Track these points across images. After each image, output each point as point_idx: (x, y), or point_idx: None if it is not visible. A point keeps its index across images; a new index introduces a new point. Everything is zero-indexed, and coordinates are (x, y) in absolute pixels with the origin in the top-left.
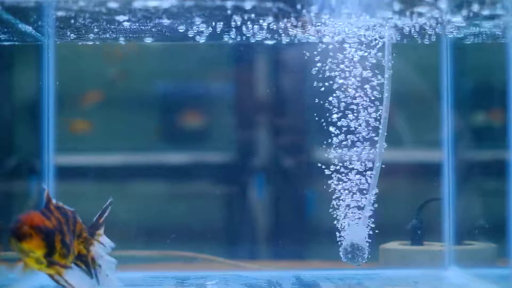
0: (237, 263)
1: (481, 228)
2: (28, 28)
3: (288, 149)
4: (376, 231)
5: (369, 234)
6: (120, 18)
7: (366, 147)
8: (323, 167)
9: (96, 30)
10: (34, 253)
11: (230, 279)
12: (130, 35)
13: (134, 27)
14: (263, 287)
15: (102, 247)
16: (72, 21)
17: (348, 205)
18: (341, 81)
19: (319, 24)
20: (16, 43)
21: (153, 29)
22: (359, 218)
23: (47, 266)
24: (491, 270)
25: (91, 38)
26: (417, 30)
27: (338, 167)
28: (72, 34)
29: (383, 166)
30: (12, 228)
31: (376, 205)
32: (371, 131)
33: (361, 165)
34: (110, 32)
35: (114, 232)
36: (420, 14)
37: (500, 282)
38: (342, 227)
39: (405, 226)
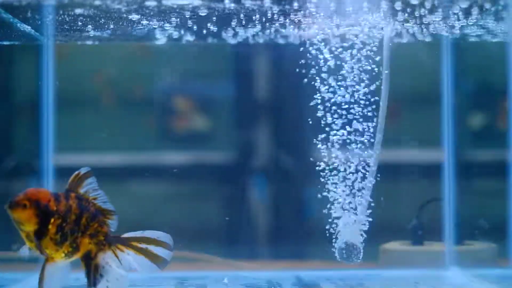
0: (237, 263)
1: (482, 228)
2: (27, 28)
3: (288, 149)
4: (376, 231)
5: (367, 234)
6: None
7: (366, 147)
8: (323, 167)
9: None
10: (24, 226)
11: (230, 279)
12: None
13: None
14: (263, 287)
15: (115, 260)
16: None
17: (347, 205)
18: (340, 81)
19: (318, 23)
20: (15, 42)
21: (158, 29)
22: (356, 218)
23: (36, 246)
24: (491, 270)
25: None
26: (417, 29)
27: (338, 167)
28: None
29: (384, 166)
30: (12, 196)
31: (371, 205)
32: (372, 131)
33: (361, 165)
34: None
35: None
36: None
37: (500, 282)
38: (340, 227)
39: (406, 226)
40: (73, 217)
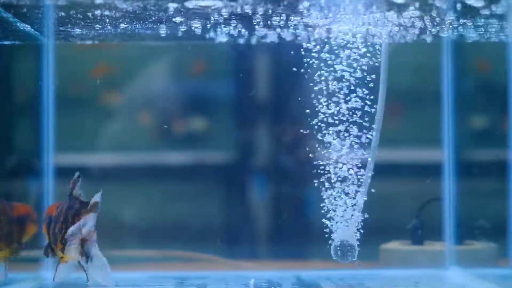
0: (237, 263)
1: (482, 228)
2: (27, 27)
3: (288, 149)
4: (377, 231)
5: (368, 234)
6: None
7: (365, 147)
8: (323, 167)
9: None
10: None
11: (230, 279)
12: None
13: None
14: (263, 287)
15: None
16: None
17: (346, 205)
18: (339, 81)
19: (315, 23)
20: (16, 42)
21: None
22: (352, 216)
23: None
24: (491, 270)
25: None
26: (418, 29)
27: (338, 167)
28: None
29: (383, 166)
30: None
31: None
32: (370, 131)
33: (361, 164)
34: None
35: (114, 231)
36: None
37: (500, 282)
38: (338, 226)
39: (406, 226)
40: (61, 218)
